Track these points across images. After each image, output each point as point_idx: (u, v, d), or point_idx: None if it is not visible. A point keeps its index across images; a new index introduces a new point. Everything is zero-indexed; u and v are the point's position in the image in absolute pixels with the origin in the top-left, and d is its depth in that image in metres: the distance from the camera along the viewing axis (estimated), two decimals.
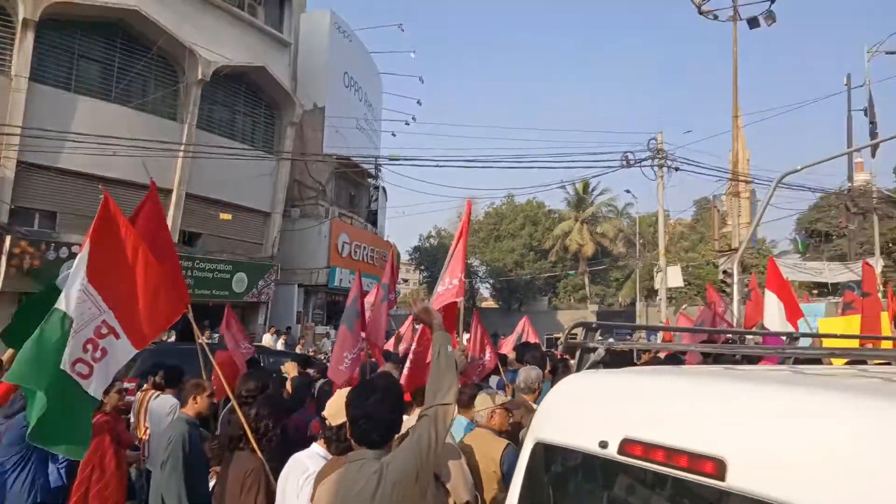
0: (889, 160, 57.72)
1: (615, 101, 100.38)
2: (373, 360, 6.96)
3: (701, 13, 23.69)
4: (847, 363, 3.07)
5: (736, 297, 15.95)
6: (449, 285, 5.20)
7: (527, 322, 14.28)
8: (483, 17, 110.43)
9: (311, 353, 14.17)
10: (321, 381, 8.18)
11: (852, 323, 7.61)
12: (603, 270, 47.57)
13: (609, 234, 47.67)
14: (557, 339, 22.74)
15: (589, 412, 1.95)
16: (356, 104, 27.08)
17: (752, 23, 24.94)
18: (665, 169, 18.81)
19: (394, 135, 31.70)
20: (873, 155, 24.80)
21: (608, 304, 48.05)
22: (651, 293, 38.53)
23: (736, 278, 16.35)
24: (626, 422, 1.77)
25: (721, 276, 20.47)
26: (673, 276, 22.06)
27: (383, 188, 31.25)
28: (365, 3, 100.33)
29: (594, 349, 2.28)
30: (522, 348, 9.69)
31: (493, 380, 8.33)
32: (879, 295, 16.37)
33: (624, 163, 17.18)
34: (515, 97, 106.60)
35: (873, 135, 21.71)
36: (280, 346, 17.21)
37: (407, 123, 31.36)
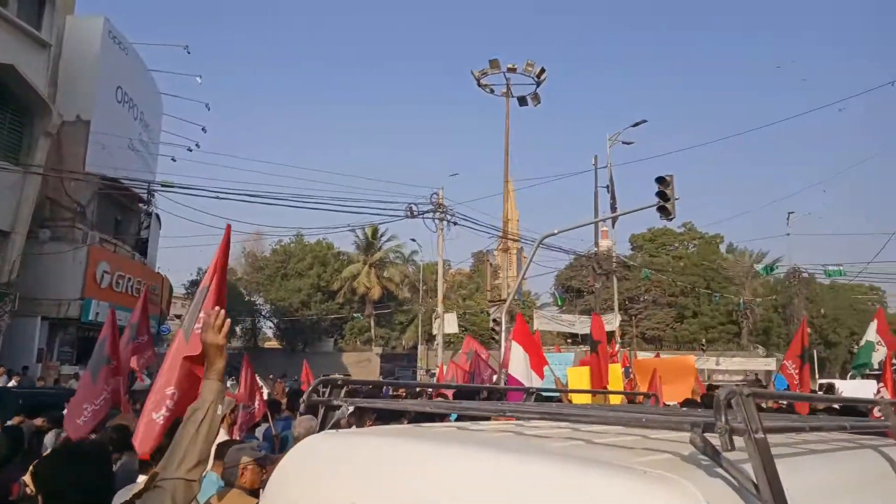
0: (625, 231, 68.44)
1: (402, 152, 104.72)
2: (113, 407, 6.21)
3: (480, 86, 26.52)
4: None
5: (504, 344, 17.33)
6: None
7: (306, 366, 13.91)
8: (275, 51, 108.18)
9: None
10: (53, 432, 7.11)
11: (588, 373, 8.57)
12: (388, 314, 48.64)
13: (395, 279, 49.05)
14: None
15: (322, 478, 1.82)
16: (130, 122, 24.81)
17: (522, 101, 28.62)
18: (445, 222, 20.06)
19: (174, 160, 29.48)
20: (613, 225, 29.37)
21: (392, 346, 49.03)
22: (432, 337, 40.21)
23: (504, 326, 17.79)
24: (355, 489, 1.69)
25: (492, 325, 22.15)
26: (449, 323, 23.46)
27: (157, 215, 28.64)
28: (148, 18, 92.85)
29: (338, 407, 2.21)
30: (294, 395, 9.31)
31: (261, 429, 7.89)
32: (618, 346, 18.95)
33: (408, 213, 18.00)
34: (304, 138, 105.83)
35: (613, 209, 25.70)
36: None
37: (190, 150, 29.44)
